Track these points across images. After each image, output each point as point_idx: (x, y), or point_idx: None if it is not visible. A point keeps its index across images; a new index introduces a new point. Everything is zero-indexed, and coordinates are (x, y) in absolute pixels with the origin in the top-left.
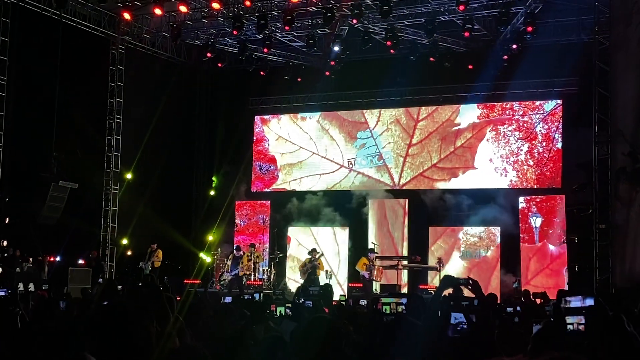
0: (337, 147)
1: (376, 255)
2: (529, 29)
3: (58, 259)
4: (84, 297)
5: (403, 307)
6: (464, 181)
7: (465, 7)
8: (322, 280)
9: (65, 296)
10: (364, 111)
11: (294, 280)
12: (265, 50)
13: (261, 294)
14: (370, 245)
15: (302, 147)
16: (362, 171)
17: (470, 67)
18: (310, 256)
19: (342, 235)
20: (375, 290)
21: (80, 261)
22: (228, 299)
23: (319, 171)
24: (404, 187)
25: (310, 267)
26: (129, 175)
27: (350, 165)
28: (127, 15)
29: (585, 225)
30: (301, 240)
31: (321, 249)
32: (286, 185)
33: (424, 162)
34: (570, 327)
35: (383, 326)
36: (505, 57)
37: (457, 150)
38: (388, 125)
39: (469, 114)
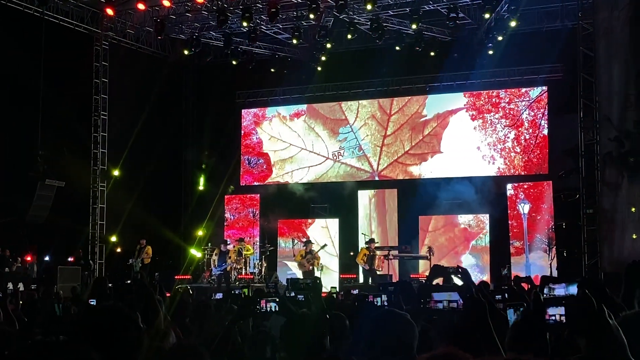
0: (322, 142)
1: (376, 245)
2: (513, 16)
3: (47, 257)
4: (74, 296)
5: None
6: (453, 169)
7: None
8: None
9: (54, 295)
10: (344, 109)
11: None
12: (251, 43)
13: (249, 289)
14: (360, 237)
15: (292, 144)
16: (345, 161)
17: (455, 55)
18: (305, 247)
19: (333, 226)
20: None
21: (70, 259)
22: (219, 296)
23: (308, 164)
24: (382, 173)
25: (312, 259)
26: (116, 172)
27: (335, 157)
28: (110, 11)
29: (572, 211)
30: (319, 239)
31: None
32: (280, 179)
33: (397, 150)
34: (553, 318)
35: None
36: (490, 44)
37: (425, 138)
38: (365, 120)
39: (433, 104)
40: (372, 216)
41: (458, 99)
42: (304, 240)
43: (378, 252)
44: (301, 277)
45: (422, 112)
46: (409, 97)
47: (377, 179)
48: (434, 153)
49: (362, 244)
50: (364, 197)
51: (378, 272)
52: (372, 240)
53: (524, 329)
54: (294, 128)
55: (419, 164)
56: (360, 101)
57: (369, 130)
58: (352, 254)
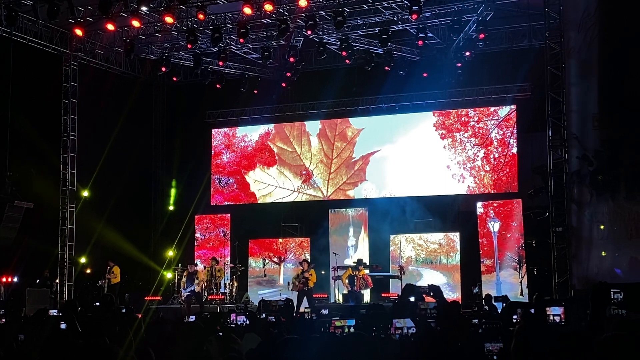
0: (290, 181)
1: (364, 265)
2: (481, 36)
3: (15, 279)
4: (39, 319)
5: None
6: (423, 188)
7: (418, 16)
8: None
9: (22, 319)
10: (302, 158)
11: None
12: (221, 63)
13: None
14: (331, 256)
15: (269, 184)
16: (306, 192)
17: (424, 75)
18: (302, 267)
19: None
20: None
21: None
22: (192, 318)
23: (281, 196)
24: (330, 197)
25: (303, 279)
26: (85, 193)
27: (298, 190)
28: (79, 32)
29: (542, 229)
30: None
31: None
32: None
33: (339, 181)
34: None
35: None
36: (459, 64)
37: (355, 172)
38: (317, 164)
39: (359, 149)
40: (342, 236)
41: (378, 139)
42: (302, 259)
43: (362, 271)
44: (295, 297)
45: (352, 156)
46: (344, 145)
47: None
48: (361, 181)
49: (332, 263)
50: (335, 217)
51: (361, 293)
52: (360, 261)
53: (527, 334)
54: (270, 174)
55: (352, 189)
56: (312, 152)
57: (319, 171)
58: (323, 272)
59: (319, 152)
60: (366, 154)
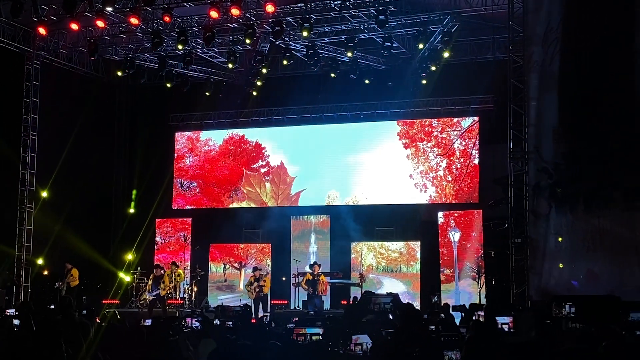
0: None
1: (319, 266)
2: (446, 47)
3: None
4: None
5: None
6: (385, 197)
7: (384, 26)
8: None
9: None
10: (261, 195)
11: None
12: (186, 66)
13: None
14: (292, 262)
15: (241, 207)
16: None
17: (389, 84)
18: (253, 274)
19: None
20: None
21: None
22: (148, 322)
23: None
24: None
25: (257, 287)
26: (44, 194)
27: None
28: (42, 30)
29: (501, 240)
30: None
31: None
32: None
33: (286, 203)
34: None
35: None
36: (424, 74)
37: (291, 202)
38: (269, 199)
39: (296, 187)
40: (303, 242)
41: (382, 132)
42: (254, 266)
43: (322, 277)
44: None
45: (290, 193)
46: (285, 187)
47: None
48: (295, 203)
49: (293, 269)
50: (297, 224)
51: (322, 297)
52: (314, 264)
53: (477, 343)
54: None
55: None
56: (267, 191)
57: (271, 203)
58: (284, 279)
59: (271, 191)
60: (298, 191)
